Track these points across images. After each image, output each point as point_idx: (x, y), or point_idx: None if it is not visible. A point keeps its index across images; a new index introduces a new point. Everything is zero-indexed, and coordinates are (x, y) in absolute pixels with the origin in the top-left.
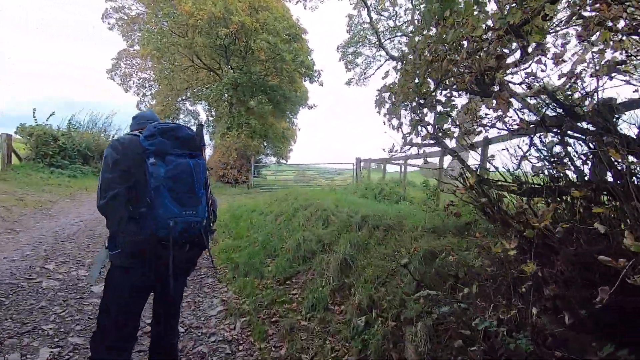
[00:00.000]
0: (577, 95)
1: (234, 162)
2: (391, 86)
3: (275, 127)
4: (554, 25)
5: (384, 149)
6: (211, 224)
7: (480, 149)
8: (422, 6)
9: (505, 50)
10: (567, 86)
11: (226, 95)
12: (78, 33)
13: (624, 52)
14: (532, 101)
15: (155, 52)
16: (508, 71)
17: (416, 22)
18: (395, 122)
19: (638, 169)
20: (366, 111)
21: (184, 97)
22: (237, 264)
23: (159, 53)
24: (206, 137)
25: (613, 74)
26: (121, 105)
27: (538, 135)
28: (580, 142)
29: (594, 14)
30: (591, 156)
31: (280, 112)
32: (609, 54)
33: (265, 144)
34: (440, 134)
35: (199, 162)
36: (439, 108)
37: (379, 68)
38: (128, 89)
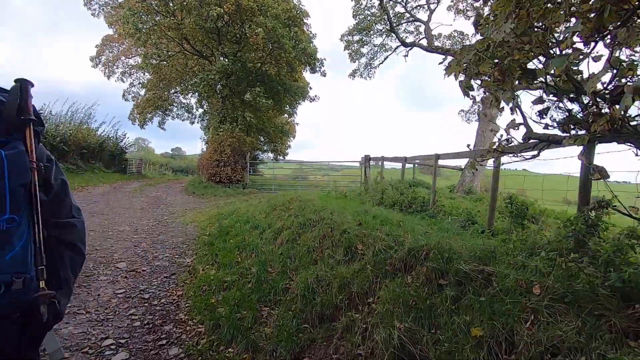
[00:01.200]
0: None
1: (228, 159)
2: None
3: (273, 122)
4: None
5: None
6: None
7: None
8: None
9: None
10: None
11: (219, 86)
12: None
13: None
14: None
15: (135, 32)
16: None
17: None
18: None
19: None
20: (372, 105)
21: (178, 89)
22: (217, 321)
23: (140, 35)
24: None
25: None
26: (107, 96)
27: None
28: None
29: None
30: None
31: (278, 106)
32: None
33: (262, 139)
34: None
35: (9, 155)
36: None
37: (386, 58)
38: (111, 75)
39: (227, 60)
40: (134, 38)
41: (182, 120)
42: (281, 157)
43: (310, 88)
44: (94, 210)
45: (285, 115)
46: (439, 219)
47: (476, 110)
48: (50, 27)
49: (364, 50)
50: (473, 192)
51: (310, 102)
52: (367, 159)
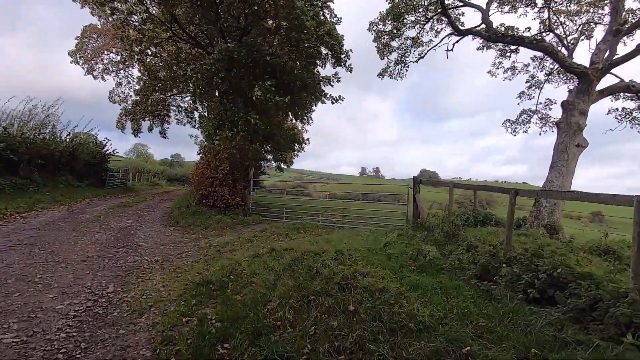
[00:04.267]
0: None
1: (225, 176)
2: None
3: (282, 126)
4: None
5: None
6: None
7: None
8: None
9: None
10: None
11: (216, 80)
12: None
13: None
14: None
15: (112, 12)
16: None
17: None
18: None
19: None
20: (402, 112)
21: (175, 92)
22: None
23: (117, 14)
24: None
25: None
26: (91, 96)
27: None
28: None
29: None
30: None
31: (295, 107)
32: None
33: (268, 148)
34: None
35: None
36: None
37: (436, 46)
38: (90, 72)
39: (230, 43)
40: (110, 18)
41: (183, 125)
42: (285, 166)
43: (335, 81)
44: None
45: (292, 118)
46: None
47: (540, 117)
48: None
49: (394, 43)
50: (557, 228)
51: (334, 103)
52: (416, 181)
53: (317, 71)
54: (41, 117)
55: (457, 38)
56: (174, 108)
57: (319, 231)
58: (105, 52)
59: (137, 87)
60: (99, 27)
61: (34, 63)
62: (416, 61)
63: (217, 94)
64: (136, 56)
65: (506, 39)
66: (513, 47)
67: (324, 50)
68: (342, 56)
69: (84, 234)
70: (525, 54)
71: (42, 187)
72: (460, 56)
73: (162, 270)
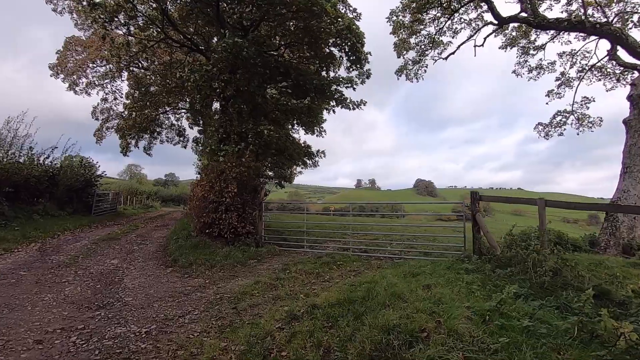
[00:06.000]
0: None
1: (233, 199)
2: None
3: (294, 138)
4: None
5: None
6: None
7: None
8: None
9: None
10: None
11: (218, 83)
12: None
13: None
14: None
15: (92, 10)
16: None
17: None
18: None
19: None
20: (399, 121)
21: (167, 109)
22: None
23: (97, 12)
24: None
25: None
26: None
27: None
28: None
29: None
30: None
31: (304, 115)
32: None
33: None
34: None
35: None
36: None
37: (470, 38)
38: (73, 87)
39: (235, 37)
40: (90, 18)
41: (174, 145)
42: (286, 183)
43: (359, 83)
44: None
45: (296, 130)
46: None
47: (577, 118)
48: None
49: (413, 40)
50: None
51: (354, 109)
52: (475, 198)
53: (335, 73)
54: (7, 136)
55: (490, 31)
56: (166, 126)
57: (354, 266)
58: (90, 64)
59: (127, 101)
60: (83, 38)
61: (30, 85)
62: (445, 58)
63: (218, 104)
64: (124, 65)
65: (561, 25)
66: (539, 44)
67: (337, 53)
68: (362, 58)
69: (51, 287)
70: (550, 50)
71: (11, 221)
72: (459, 63)
73: (157, 355)
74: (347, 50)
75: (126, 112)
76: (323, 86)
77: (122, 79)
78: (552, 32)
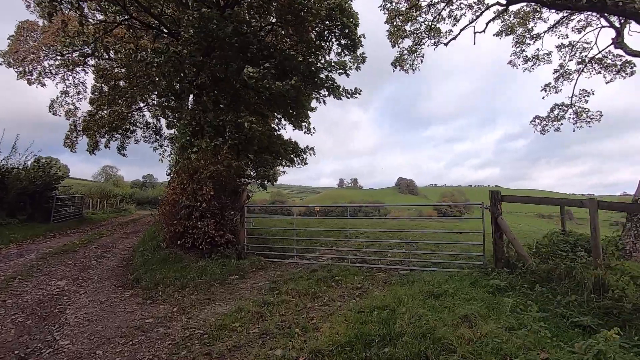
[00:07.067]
0: None
1: (209, 203)
2: None
3: (280, 134)
4: None
5: None
6: None
7: None
8: None
9: None
10: None
11: (189, 67)
12: None
13: None
14: None
15: None
16: None
17: None
18: None
19: None
20: (382, 121)
21: (142, 105)
22: None
23: None
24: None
25: None
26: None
27: None
28: None
29: None
30: None
31: (290, 108)
32: None
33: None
34: None
35: None
36: None
37: (471, 23)
38: (24, 76)
39: (209, 11)
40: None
41: (151, 144)
42: (269, 183)
43: (353, 68)
44: None
45: (283, 121)
46: None
47: (575, 112)
48: None
49: (409, 27)
50: None
51: (349, 97)
52: (497, 199)
53: (325, 60)
54: None
55: (493, 15)
56: (141, 124)
57: (356, 281)
58: (44, 48)
59: (93, 96)
60: (40, 23)
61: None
62: (446, 44)
63: (192, 86)
64: (86, 53)
65: (579, 4)
66: (535, 33)
67: (326, 35)
68: (356, 40)
69: None
70: (547, 43)
71: None
72: (439, 64)
73: None
74: (337, 33)
75: (94, 108)
76: (312, 72)
77: (86, 71)
78: (552, 20)
